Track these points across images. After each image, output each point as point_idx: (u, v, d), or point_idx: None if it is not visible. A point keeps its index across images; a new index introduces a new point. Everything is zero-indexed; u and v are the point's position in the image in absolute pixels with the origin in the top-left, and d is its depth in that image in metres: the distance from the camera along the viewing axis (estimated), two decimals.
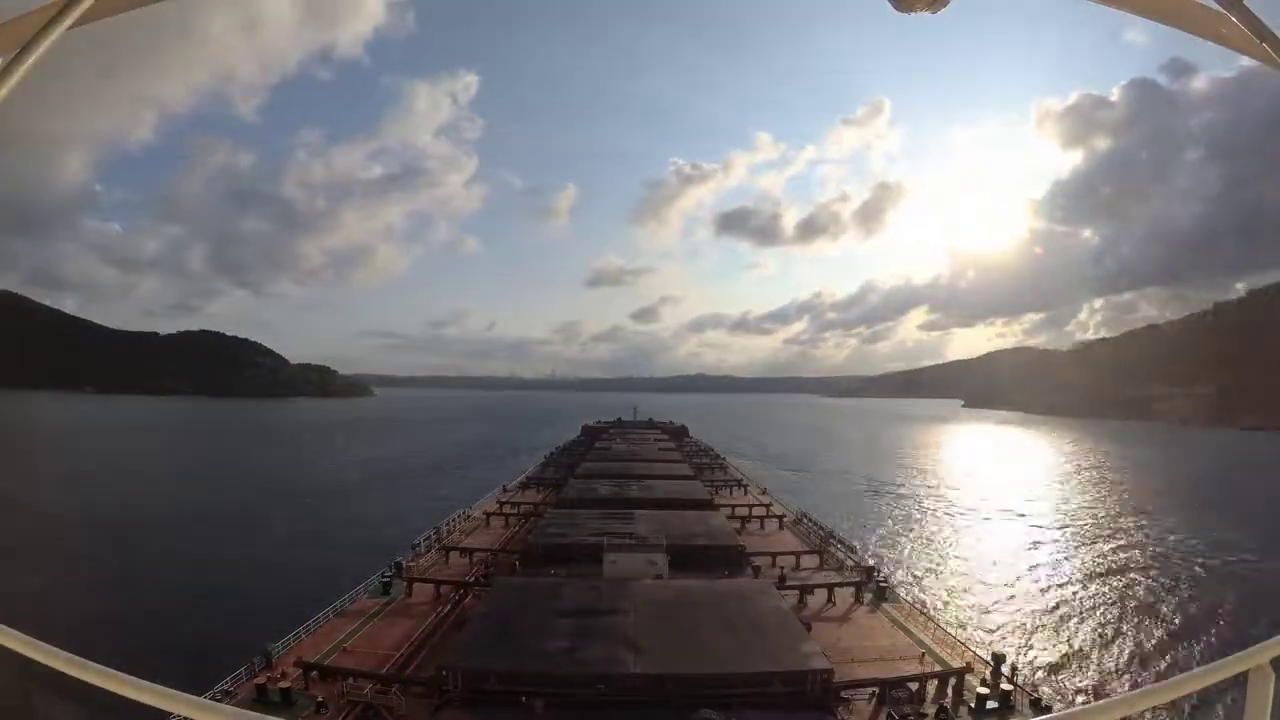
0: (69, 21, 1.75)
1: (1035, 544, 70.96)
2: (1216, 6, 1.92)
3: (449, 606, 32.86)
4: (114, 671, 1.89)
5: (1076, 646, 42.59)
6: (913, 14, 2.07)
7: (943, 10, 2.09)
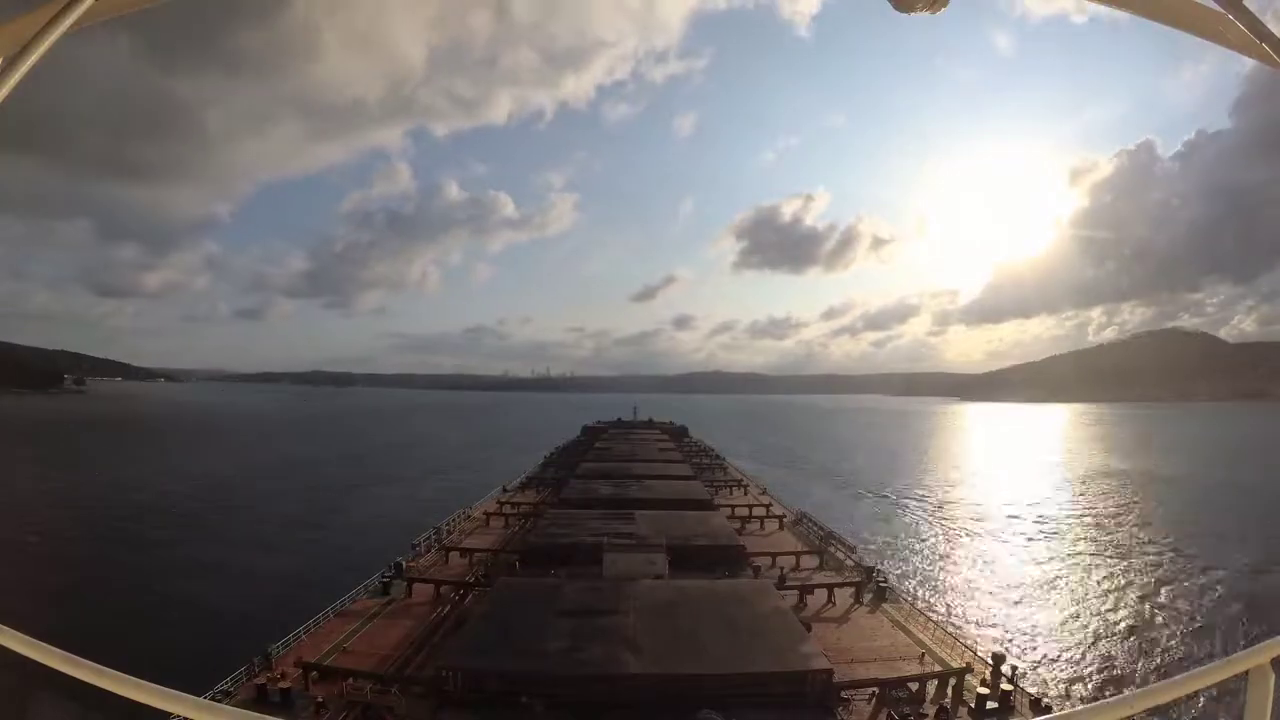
0: (69, 21, 1.75)
1: None
2: (1216, 7, 1.92)
3: (449, 606, 32.87)
4: (114, 671, 1.89)
5: None
6: (912, 14, 2.07)
7: (942, 10, 2.09)
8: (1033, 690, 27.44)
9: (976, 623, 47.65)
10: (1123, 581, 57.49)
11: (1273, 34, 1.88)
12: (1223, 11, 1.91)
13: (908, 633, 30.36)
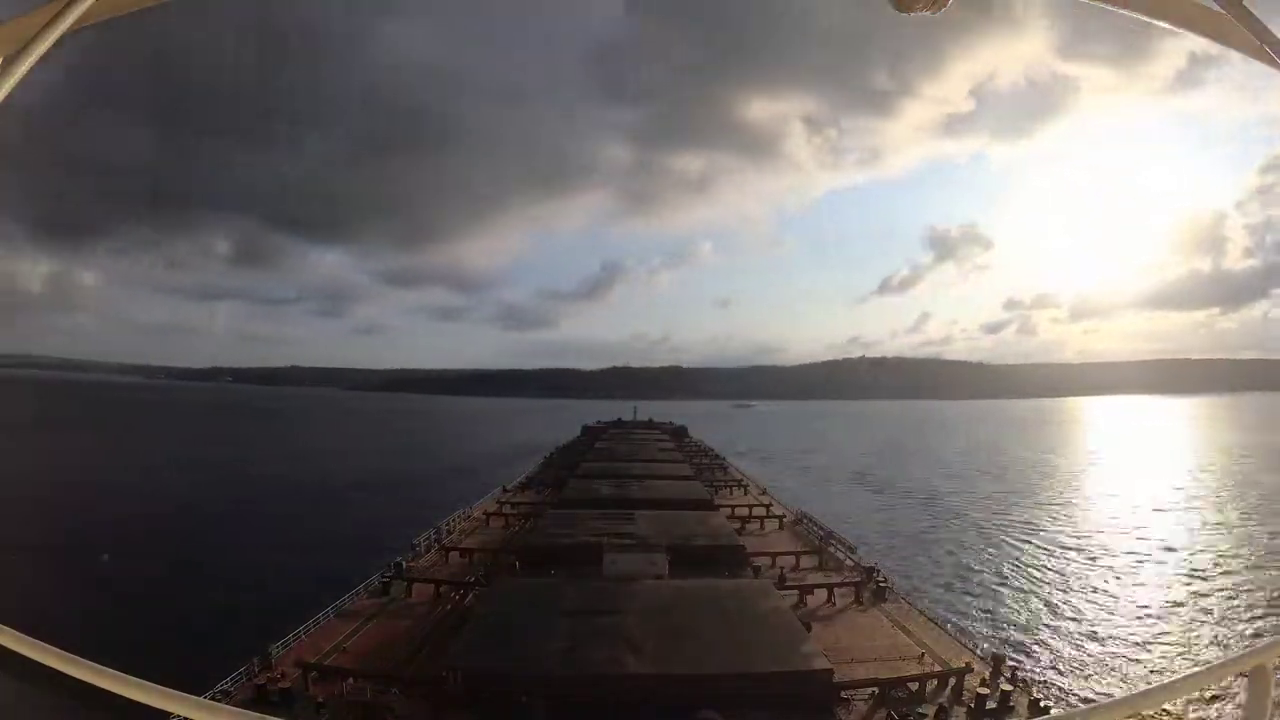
0: (69, 21, 1.75)
1: None
2: (1216, 7, 1.92)
3: (449, 606, 32.88)
4: (114, 671, 1.89)
5: None
6: (912, 14, 2.06)
7: (942, 10, 2.09)
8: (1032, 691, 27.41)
9: None
10: None
11: (1273, 34, 1.88)
12: (1223, 11, 1.91)
13: (908, 633, 30.36)
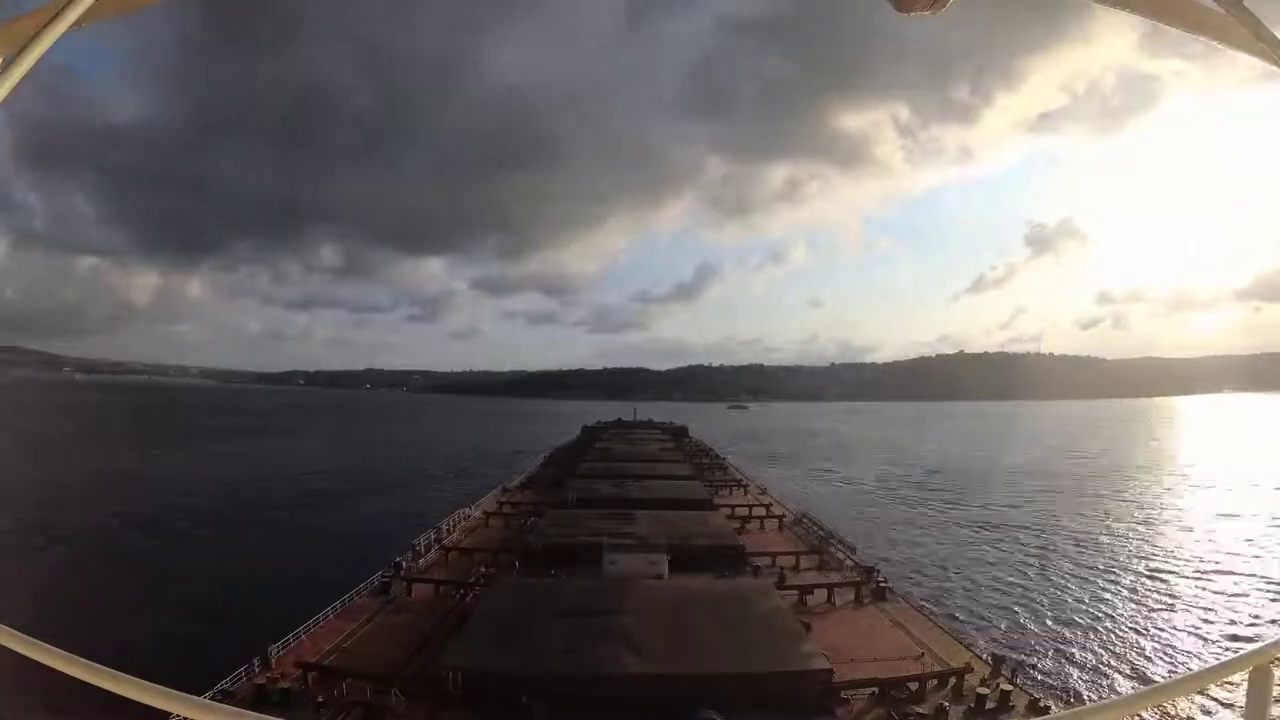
0: (69, 21, 1.75)
1: None
2: (1216, 7, 1.91)
3: (449, 606, 32.89)
4: (114, 671, 1.89)
5: None
6: (912, 15, 2.06)
7: (942, 10, 2.08)
8: (1032, 690, 27.43)
9: None
10: None
11: (1273, 34, 1.88)
12: (1223, 12, 1.91)
13: (908, 633, 30.36)
